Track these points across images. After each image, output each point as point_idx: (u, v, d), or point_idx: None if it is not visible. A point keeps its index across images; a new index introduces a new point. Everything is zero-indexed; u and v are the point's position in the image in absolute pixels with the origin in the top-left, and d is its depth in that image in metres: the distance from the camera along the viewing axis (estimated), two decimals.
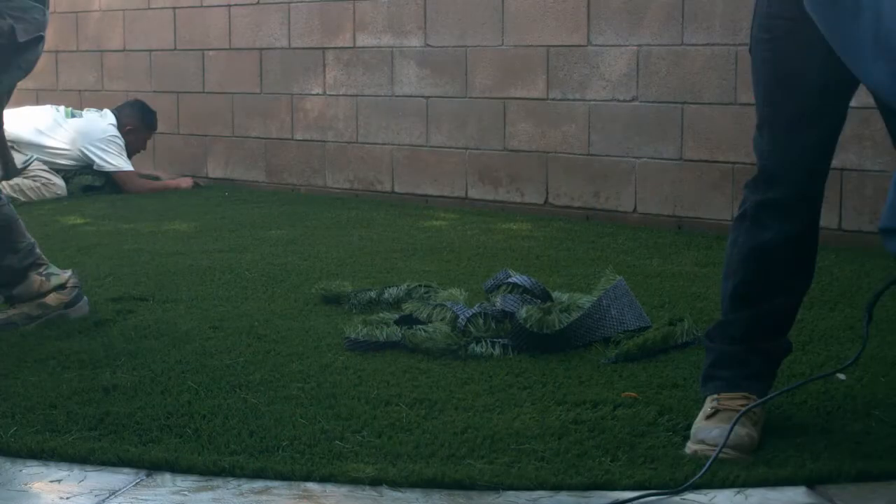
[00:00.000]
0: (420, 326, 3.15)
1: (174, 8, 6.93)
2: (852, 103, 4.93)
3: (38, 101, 7.76)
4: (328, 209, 5.75)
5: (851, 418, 2.58)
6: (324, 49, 6.27)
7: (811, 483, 2.25)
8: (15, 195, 6.06)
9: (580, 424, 2.54)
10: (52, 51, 7.63)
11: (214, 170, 6.87)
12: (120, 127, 6.60)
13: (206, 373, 2.93)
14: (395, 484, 2.25)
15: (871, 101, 4.80)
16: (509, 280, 3.50)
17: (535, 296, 3.39)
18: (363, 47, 6.10)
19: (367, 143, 6.16)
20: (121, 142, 6.58)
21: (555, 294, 3.48)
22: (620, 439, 2.45)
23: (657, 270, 4.20)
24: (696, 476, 2.22)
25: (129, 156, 6.64)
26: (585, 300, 3.35)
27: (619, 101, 5.26)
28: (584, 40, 5.33)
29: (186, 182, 6.67)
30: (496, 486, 2.23)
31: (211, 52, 6.79)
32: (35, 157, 6.33)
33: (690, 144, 5.07)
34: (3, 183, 5.87)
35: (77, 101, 7.55)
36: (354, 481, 2.26)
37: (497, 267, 4.27)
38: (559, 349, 3.08)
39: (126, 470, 2.34)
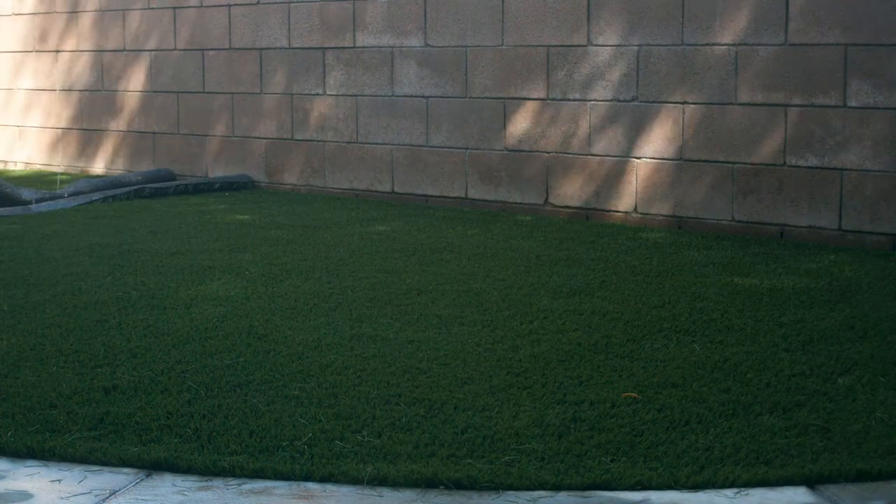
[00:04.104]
0: None
1: (174, 8, 6.93)
2: (852, 103, 4.95)
3: (38, 101, 7.76)
4: (328, 209, 5.75)
5: (851, 418, 2.58)
6: (324, 49, 6.27)
7: (811, 483, 2.25)
8: None
9: (580, 424, 2.54)
10: (52, 51, 7.63)
11: (214, 170, 6.87)
12: None
13: (206, 373, 2.93)
14: (394, 484, 2.25)
15: (870, 100, 4.84)
16: None
17: None
18: (363, 47, 6.10)
19: (367, 143, 6.16)
20: None
21: None
22: (620, 439, 2.45)
23: (657, 270, 4.20)
24: None
25: None
26: None
27: (619, 101, 5.26)
28: (584, 40, 5.33)
29: None
30: (496, 486, 2.23)
31: (211, 52, 6.79)
32: None
33: (690, 144, 5.07)
34: None
35: (77, 101, 7.55)
36: (354, 481, 2.26)
37: (496, 266, 4.27)
38: None
39: (126, 470, 2.34)
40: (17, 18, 7.83)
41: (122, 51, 7.25)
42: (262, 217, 5.52)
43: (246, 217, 5.52)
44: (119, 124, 7.35)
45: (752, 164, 4.92)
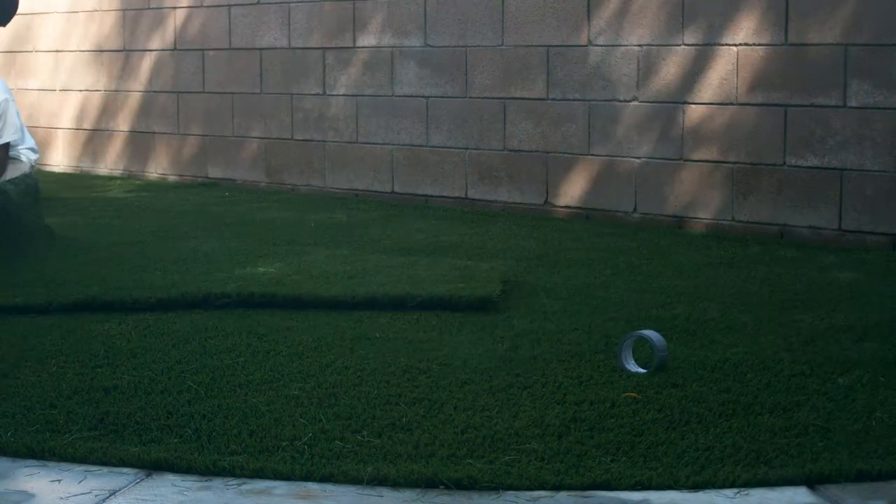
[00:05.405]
0: None
1: (174, 8, 6.93)
2: (852, 103, 4.93)
3: (38, 101, 7.77)
4: (328, 209, 5.75)
5: (851, 418, 2.58)
6: (324, 49, 6.27)
7: (811, 483, 2.25)
8: None
9: (580, 424, 2.54)
10: (51, 51, 7.64)
11: (214, 170, 6.87)
12: None
13: (206, 373, 2.93)
14: (394, 484, 2.25)
15: (870, 100, 4.83)
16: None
17: None
18: (363, 47, 6.10)
19: (367, 143, 6.15)
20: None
21: None
22: (620, 439, 2.45)
23: (657, 270, 4.20)
24: None
25: None
26: None
27: (619, 101, 5.26)
28: (584, 40, 5.33)
29: None
30: (496, 486, 2.23)
31: (211, 52, 6.79)
32: None
33: (690, 144, 5.07)
34: None
35: (77, 100, 7.55)
36: (354, 481, 2.26)
37: (497, 264, 4.27)
38: None
39: (126, 470, 2.34)
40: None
41: (121, 51, 7.25)
42: (262, 217, 5.51)
43: (246, 218, 5.51)
44: (123, 126, 7.35)
45: (751, 164, 4.92)
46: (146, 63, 7.12)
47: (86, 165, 7.56)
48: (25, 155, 6.03)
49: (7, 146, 5.86)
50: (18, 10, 6.29)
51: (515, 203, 5.62)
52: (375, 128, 6.11)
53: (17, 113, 6.00)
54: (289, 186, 6.48)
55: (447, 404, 2.68)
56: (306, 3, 6.31)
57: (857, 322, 3.41)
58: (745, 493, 2.21)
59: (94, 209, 5.85)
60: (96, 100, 7.43)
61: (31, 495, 2.24)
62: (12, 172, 5.85)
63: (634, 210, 5.26)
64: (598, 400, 2.70)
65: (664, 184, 5.15)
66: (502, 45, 5.60)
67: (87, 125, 7.52)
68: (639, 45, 5.16)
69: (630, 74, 5.20)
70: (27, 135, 6.16)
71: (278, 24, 6.45)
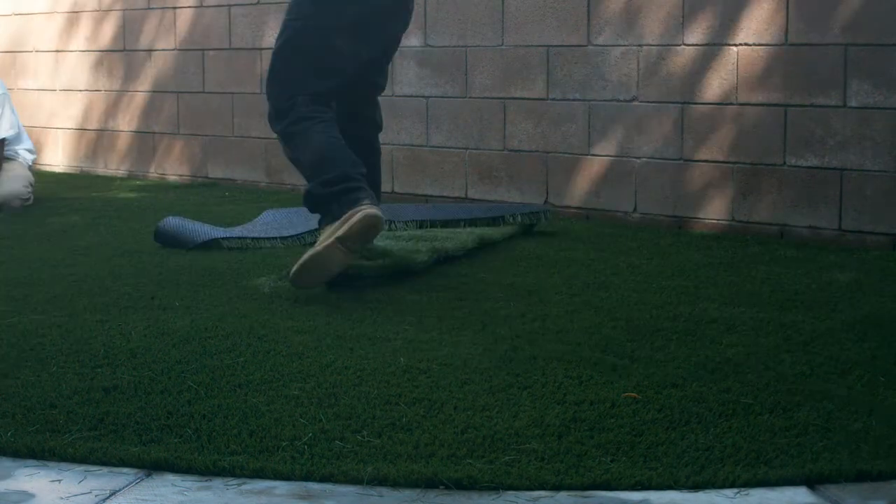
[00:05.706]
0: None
1: (174, 8, 6.93)
2: (852, 103, 4.94)
3: (38, 101, 7.77)
4: None
5: (851, 418, 2.58)
6: None
7: (811, 483, 2.25)
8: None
9: (580, 424, 2.54)
10: (51, 50, 7.64)
11: (214, 170, 6.87)
12: None
13: (206, 373, 2.93)
14: (394, 484, 2.25)
15: (870, 100, 4.83)
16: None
17: None
18: None
19: None
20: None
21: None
22: (620, 439, 2.46)
23: (657, 270, 4.20)
24: None
25: None
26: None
27: (619, 101, 5.26)
28: (584, 40, 5.33)
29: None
30: (496, 486, 2.23)
31: (211, 52, 6.79)
32: None
33: (690, 144, 5.07)
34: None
35: (77, 101, 7.55)
36: (354, 481, 2.26)
37: (497, 264, 4.27)
38: None
39: (126, 470, 2.34)
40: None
41: (121, 51, 7.25)
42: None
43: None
44: (123, 126, 7.35)
45: (752, 163, 4.92)
46: (146, 63, 7.12)
47: (86, 165, 7.57)
48: (23, 155, 6.04)
49: (3, 142, 5.87)
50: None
51: (515, 203, 5.62)
52: None
53: (14, 111, 6.01)
54: (289, 186, 6.48)
55: (447, 404, 2.68)
56: None
57: (857, 322, 3.42)
58: (745, 493, 2.22)
59: (95, 209, 5.85)
60: (96, 100, 7.43)
61: (31, 495, 2.24)
62: (8, 171, 5.86)
63: (634, 210, 5.26)
64: (598, 400, 2.70)
65: (664, 184, 5.16)
66: (502, 45, 5.60)
67: (88, 125, 7.52)
68: (639, 45, 5.17)
69: (630, 74, 5.20)
70: (25, 135, 6.17)
71: (278, 24, 6.44)
